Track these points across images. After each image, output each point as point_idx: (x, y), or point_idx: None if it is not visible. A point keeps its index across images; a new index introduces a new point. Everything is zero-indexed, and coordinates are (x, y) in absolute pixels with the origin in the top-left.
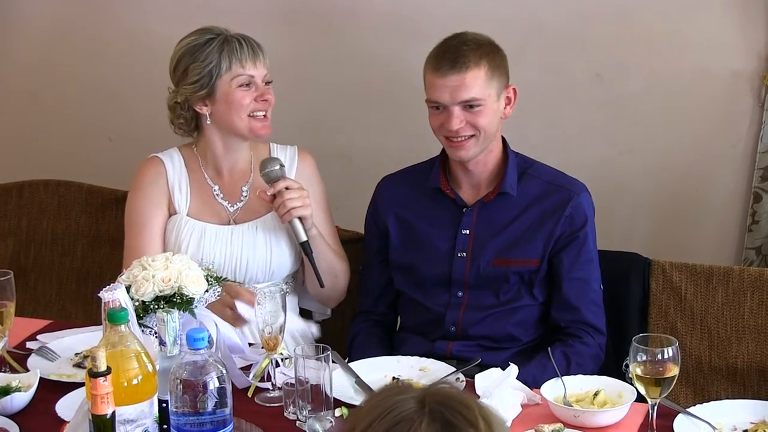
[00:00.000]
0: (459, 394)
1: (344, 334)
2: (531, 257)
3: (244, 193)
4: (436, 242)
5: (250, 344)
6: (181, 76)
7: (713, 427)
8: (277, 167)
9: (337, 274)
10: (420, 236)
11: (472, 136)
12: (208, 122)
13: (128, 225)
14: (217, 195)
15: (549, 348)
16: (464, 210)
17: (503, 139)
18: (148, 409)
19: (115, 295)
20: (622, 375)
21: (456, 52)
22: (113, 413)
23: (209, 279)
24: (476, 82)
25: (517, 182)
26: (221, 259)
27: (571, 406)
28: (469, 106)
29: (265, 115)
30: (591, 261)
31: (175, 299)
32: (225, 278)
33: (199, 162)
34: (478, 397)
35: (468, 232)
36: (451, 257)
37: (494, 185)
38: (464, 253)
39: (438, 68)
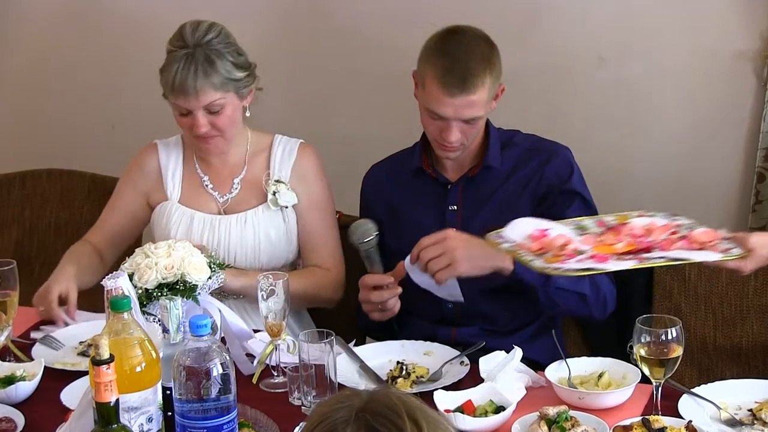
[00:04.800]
0: (391, 399)
1: (348, 319)
2: None
3: (235, 185)
4: (425, 221)
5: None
6: None
7: (718, 407)
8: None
9: (312, 300)
10: (409, 218)
11: (462, 144)
12: None
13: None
14: (207, 185)
15: (553, 330)
16: (448, 187)
17: None
18: (152, 397)
19: (117, 282)
20: (626, 356)
21: (464, 70)
22: (117, 401)
23: (212, 266)
24: (481, 100)
25: (500, 154)
26: (208, 247)
27: (576, 388)
28: (469, 121)
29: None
30: (585, 212)
31: (178, 286)
32: (228, 265)
33: (194, 150)
34: (481, 381)
35: (455, 207)
36: None
37: (478, 160)
38: (454, 229)
39: (445, 85)
